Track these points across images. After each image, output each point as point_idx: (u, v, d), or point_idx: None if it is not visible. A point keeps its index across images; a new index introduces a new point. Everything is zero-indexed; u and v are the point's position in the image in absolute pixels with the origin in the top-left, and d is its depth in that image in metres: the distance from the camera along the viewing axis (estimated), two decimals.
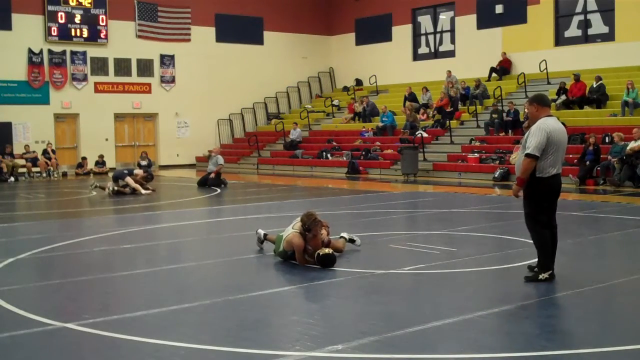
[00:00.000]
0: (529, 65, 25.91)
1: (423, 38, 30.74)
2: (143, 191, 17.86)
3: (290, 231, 8.36)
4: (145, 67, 29.32)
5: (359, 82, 32.41)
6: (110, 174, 21.55)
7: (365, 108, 28.23)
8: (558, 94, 23.29)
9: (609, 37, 24.80)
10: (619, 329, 5.75)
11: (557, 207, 7.36)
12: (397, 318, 6.02)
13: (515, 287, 7.26)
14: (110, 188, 17.83)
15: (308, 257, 8.20)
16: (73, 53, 27.50)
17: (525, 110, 22.22)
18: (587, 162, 18.54)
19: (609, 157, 18.24)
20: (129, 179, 17.90)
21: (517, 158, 7.42)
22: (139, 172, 18.79)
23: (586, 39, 25.49)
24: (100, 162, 27.00)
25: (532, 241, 7.44)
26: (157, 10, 29.35)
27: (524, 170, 7.04)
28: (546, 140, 6.98)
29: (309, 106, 32.13)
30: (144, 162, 25.46)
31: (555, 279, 7.68)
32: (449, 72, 27.15)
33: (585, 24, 25.48)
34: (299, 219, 8.47)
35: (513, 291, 7.04)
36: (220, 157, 20.71)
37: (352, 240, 9.27)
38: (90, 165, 26.87)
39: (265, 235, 9.31)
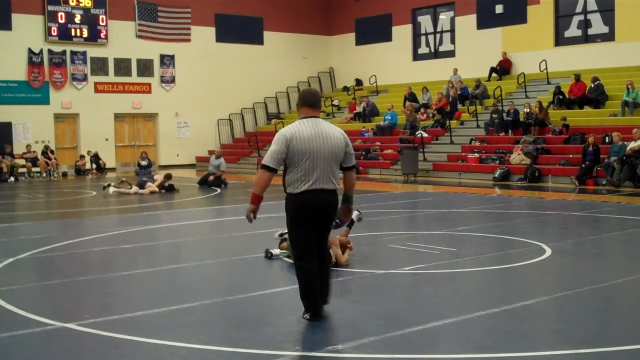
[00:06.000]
0: (529, 65, 25.89)
1: (423, 38, 30.73)
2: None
3: None
4: (145, 67, 29.31)
5: (359, 82, 32.40)
6: (108, 174, 21.60)
7: (365, 108, 28.23)
8: (554, 95, 23.32)
9: (609, 37, 24.79)
10: (619, 329, 5.75)
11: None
12: (397, 318, 6.02)
13: (515, 287, 7.26)
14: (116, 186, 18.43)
15: None
16: (73, 53, 27.49)
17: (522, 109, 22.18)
18: (587, 162, 18.53)
19: (607, 159, 18.22)
20: (150, 184, 18.49)
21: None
22: (158, 177, 19.02)
23: (586, 39, 25.48)
24: (94, 157, 26.58)
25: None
26: (157, 10, 29.33)
27: (255, 183, 5.91)
28: (285, 149, 5.75)
29: None
30: (144, 162, 25.40)
31: (555, 279, 7.68)
32: (455, 69, 27.21)
33: (585, 24, 25.47)
34: None
35: (513, 291, 7.04)
36: (224, 161, 20.70)
37: (359, 219, 8.98)
38: (89, 165, 26.74)
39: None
